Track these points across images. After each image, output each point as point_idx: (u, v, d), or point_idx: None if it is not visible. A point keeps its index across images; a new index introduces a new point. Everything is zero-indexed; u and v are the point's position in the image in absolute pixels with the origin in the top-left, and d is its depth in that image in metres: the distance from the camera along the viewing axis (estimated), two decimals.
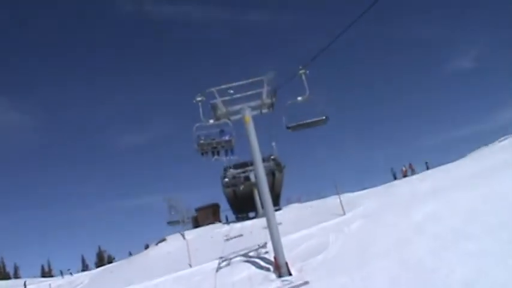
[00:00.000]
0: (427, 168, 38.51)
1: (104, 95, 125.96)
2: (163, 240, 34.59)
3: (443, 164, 35.95)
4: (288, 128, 16.68)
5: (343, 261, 14.87)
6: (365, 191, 34.45)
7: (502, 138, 36.94)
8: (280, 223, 17.67)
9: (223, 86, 17.83)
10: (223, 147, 17.69)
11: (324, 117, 16.47)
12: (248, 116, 17.56)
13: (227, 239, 26.35)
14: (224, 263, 18.87)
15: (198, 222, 43.66)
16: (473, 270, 10.53)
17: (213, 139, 17.43)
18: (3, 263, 72.72)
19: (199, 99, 17.50)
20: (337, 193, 26.50)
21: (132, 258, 36.90)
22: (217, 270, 17.95)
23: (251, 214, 42.77)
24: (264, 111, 18.56)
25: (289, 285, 13.45)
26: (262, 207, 33.09)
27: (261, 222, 27.69)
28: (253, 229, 28.72)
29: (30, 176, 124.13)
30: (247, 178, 36.15)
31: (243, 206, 41.31)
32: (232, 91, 18.09)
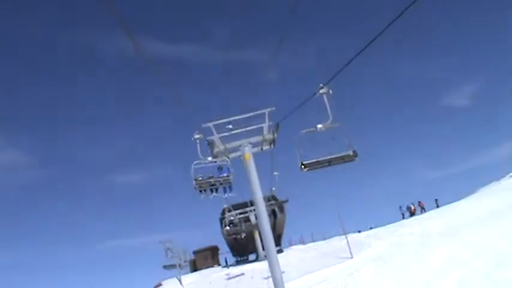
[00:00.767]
0: (437, 206, 37.01)
1: (102, 134, 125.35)
2: (159, 285, 32.88)
3: (453, 201, 34.72)
4: (303, 165, 13.05)
5: None
6: (372, 230, 33.03)
7: None
8: (284, 272, 16.27)
9: (220, 121, 16.81)
10: (221, 184, 16.57)
11: (351, 152, 12.87)
12: (248, 153, 16.45)
13: (229, 278, 24.91)
14: None
15: (196, 265, 41.90)
16: None
17: (211, 176, 16.49)
18: None
19: (197, 136, 16.52)
20: (344, 233, 25.07)
21: None
22: None
23: (251, 256, 41.12)
24: (265, 147, 17.47)
25: None
26: (263, 249, 31.43)
27: (262, 266, 26.20)
28: (254, 273, 27.16)
29: (23, 214, 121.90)
30: (247, 219, 34.77)
31: (243, 248, 39.67)
32: (230, 126, 17.08)
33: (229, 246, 41.17)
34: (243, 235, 32.55)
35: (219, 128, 17.21)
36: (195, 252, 43.54)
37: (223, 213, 36.76)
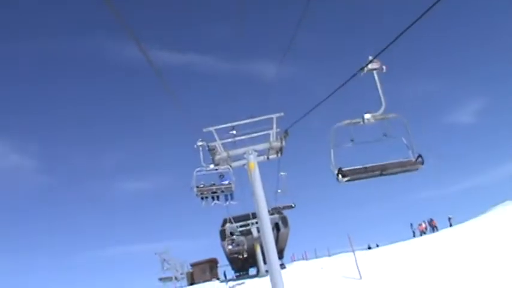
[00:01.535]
0: (450, 225, 35.31)
1: (106, 140, 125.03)
2: None
3: (465, 219, 33.26)
4: (342, 174, 9.13)
5: None
6: (382, 248, 31.48)
7: None
8: None
9: (223, 125, 15.61)
10: (222, 192, 15.55)
11: (415, 158, 9.12)
12: (253, 162, 15.21)
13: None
14: None
15: (193, 278, 40.47)
16: None
17: (213, 184, 15.41)
18: None
19: (199, 144, 15.50)
20: (352, 250, 23.58)
21: None
22: None
23: (252, 270, 39.74)
24: (272, 156, 16.21)
25: None
26: (265, 263, 30.02)
27: (263, 282, 24.83)
28: None
29: (24, 220, 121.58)
30: (248, 232, 33.38)
31: (244, 263, 38.24)
32: (234, 132, 15.84)
33: (229, 260, 39.79)
34: (245, 254, 31.25)
35: (222, 134, 16.01)
36: (192, 265, 42.10)
37: (223, 224, 35.46)
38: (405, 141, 9.05)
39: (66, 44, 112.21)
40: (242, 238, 31.44)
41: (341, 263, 26.61)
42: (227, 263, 41.95)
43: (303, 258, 37.38)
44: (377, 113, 9.03)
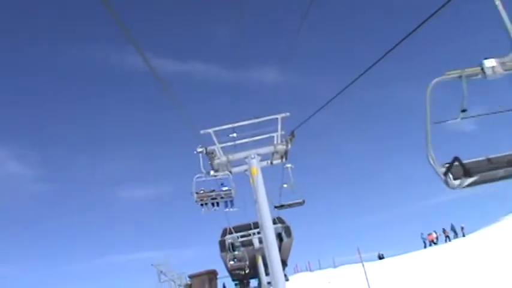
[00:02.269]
0: (463, 235, 33.87)
1: (106, 148, 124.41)
2: None
3: (476, 228, 31.96)
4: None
5: None
6: (390, 259, 30.17)
7: None
8: None
9: (222, 127, 14.38)
10: (222, 198, 14.97)
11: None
12: (256, 167, 13.97)
13: None
14: None
15: None
16: None
17: (213, 190, 14.87)
18: None
19: (199, 150, 14.46)
20: (361, 263, 22.23)
21: None
22: None
23: (253, 282, 38.33)
24: (276, 161, 14.96)
25: None
26: (267, 274, 28.72)
27: None
28: None
29: (23, 227, 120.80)
30: (249, 243, 32.03)
31: (245, 275, 36.89)
32: (235, 134, 14.62)
33: (229, 272, 38.42)
34: (247, 270, 30.03)
35: (222, 137, 14.84)
36: (191, 277, 40.60)
37: (223, 234, 34.15)
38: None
39: (68, 51, 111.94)
40: (244, 254, 30.24)
41: (348, 275, 25.31)
42: (227, 274, 40.63)
43: (307, 270, 35.99)
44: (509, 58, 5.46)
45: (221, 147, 14.51)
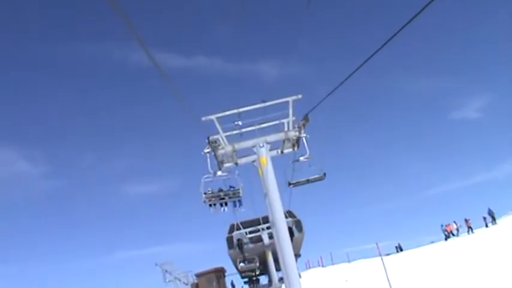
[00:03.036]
0: (486, 226, 32.33)
1: (111, 145, 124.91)
2: None
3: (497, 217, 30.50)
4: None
5: None
6: (409, 251, 28.83)
7: None
8: None
9: (226, 113, 13.00)
10: (230, 198, 14.50)
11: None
12: (265, 156, 12.57)
13: None
14: None
15: None
16: None
17: (221, 190, 14.45)
18: None
19: (207, 150, 13.25)
20: (381, 258, 20.81)
21: None
22: None
23: (263, 279, 37.24)
24: (287, 150, 13.54)
25: None
26: (277, 270, 27.59)
27: None
28: None
29: (32, 225, 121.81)
30: (258, 239, 30.79)
31: (254, 273, 35.84)
32: (240, 122, 13.21)
33: (238, 269, 37.35)
34: (258, 272, 28.98)
35: (226, 125, 13.43)
36: (197, 275, 39.59)
37: (230, 231, 33.00)
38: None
39: (74, 49, 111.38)
40: (254, 256, 29.18)
41: (365, 271, 23.94)
42: (235, 271, 39.60)
43: (319, 265, 34.76)
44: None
45: (226, 136, 13.15)
